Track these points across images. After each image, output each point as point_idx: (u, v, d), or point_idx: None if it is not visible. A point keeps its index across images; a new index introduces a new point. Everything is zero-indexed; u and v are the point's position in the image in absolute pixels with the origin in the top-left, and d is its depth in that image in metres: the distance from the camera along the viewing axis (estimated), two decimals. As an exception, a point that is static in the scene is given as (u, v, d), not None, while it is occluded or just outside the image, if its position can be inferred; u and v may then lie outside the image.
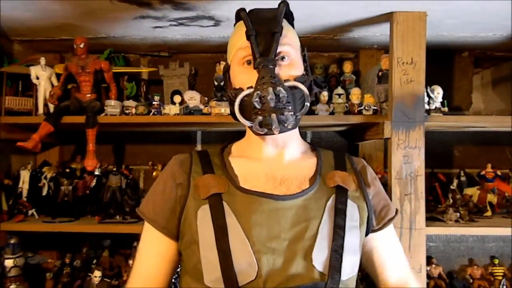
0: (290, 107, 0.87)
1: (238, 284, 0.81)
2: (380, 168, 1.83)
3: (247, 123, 0.89)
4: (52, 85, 1.77)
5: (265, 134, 0.88)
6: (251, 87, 0.88)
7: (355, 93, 1.64)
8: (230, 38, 0.99)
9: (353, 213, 0.91)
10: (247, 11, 0.94)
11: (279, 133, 0.87)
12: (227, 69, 0.98)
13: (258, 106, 0.85)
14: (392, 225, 1.03)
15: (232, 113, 1.02)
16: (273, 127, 0.84)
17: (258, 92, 0.85)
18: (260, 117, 0.86)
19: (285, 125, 0.86)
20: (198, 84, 2.02)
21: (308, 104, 0.91)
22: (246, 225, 0.84)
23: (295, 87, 0.88)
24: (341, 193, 0.92)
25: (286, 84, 0.87)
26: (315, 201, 0.89)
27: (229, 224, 0.85)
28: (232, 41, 0.96)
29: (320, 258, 0.84)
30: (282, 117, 0.85)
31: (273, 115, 0.84)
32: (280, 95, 0.84)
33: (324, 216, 0.87)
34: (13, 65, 1.79)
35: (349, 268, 0.86)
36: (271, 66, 0.87)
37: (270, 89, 0.83)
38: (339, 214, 0.88)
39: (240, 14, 0.94)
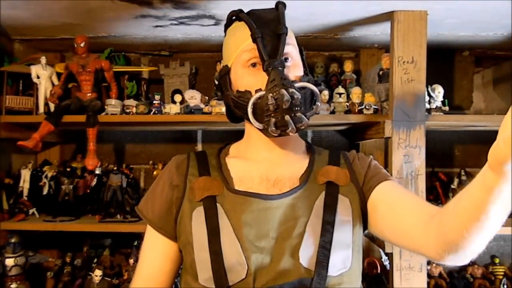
0: (302, 108, 0.87)
1: (229, 283, 0.83)
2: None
3: (259, 125, 0.88)
4: (53, 84, 1.77)
5: (279, 135, 0.87)
6: (259, 89, 0.88)
7: (355, 92, 1.64)
8: (227, 39, 0.97)
9: (344, 208, 0.91)
10: (245, 12, 0.93)
11: (294, 133, 0.87)
12: (226, 71, 0.96)
13: (272, 109, 0.85)
14: (392, 181, 0.96)
15: (229, 115, 1.03)
16: (289, 128, 0.84)
17: (272, 94, 0.84)
18: (273, 119, 0.85)
19: (300, 125, 0.86)
20: (199, 83, 2.03)
21: (319, 104, 0.91)
22: (236, 225, 0.86)
23: (303, 88, 0.88)
24: (331, 189, 0.92)
25: (296, 85, 0.87)
26: (304, 199, 0.90)
27: (222, 225, 0.86)
28: (233, 43, 0.94)
29: (307, 255, 0.84)
30: (296, 118, 0.85)
31: (287, 116, 0.84)
32: (295, 96, 0.84)
33: (313, 214, 0.88)
34: (13, 64, 1.79)
35: (340, 263, 0.86)
36: (280, 68, 0.87)
37: (283, 90, 0.83)
38: (329, 210, 0.89)
39: (240, 16, 0.93)
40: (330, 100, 1.67)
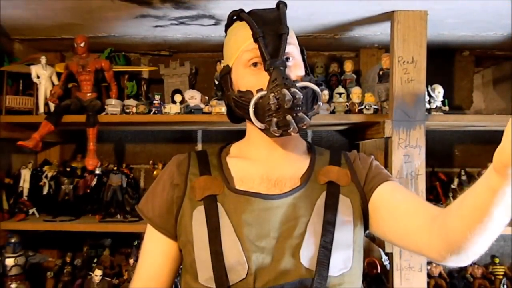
0: (303, 108, 0.87)
1: (229, 283, 0.83)
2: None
3: (261, 125, 0.88)
4: (53, 84, 1.77)
5: (281, 135, 0.87)
6: (261, 89, 0.87)
7: (355, 92, 1.64)
8: (227, 39, 0.97)
9: (345, 208, 0.91)
10: (246, 12, 0.93)
11: (296, 133, 0.87)
12: (227, 71, 0.96)
13: (274, 108, 0.84)
14: (393, 181, 0.96)
15: (230, 115, 1.03)
16: (291, 128, 0.84)
17: (274, 94, 0.84)
18: (275, 119, 0.85)
19: (302, 125, 0.86)
20: (199, 83, 2.03)
21: (321, 104, 0.91)
22: (237, 225, 0.86)
23: (304, 87, 0.88)
24: (332, 189, 0.92)
25: (297, 84, 0.87)
26: (305, 199, 0.90)
27: (222, 224, 0.86)
28: (234, 43, 0.94)
29: (307, 255, 0.84)
30: (298, 118, 0.85)
31: (289, 116, 0.84)
32: (297, 96, 0.84)
33: (314, 214, 0.88)
34: (13, 64, 1.79)
35: (341, 263, 0.86)
36: (281, 68, 0.87)
37: (285, 90, 0.83)
38: (329, 210, 0.89)
39: (241, 16, 0.93)
40: (330, 100, 1.67)
